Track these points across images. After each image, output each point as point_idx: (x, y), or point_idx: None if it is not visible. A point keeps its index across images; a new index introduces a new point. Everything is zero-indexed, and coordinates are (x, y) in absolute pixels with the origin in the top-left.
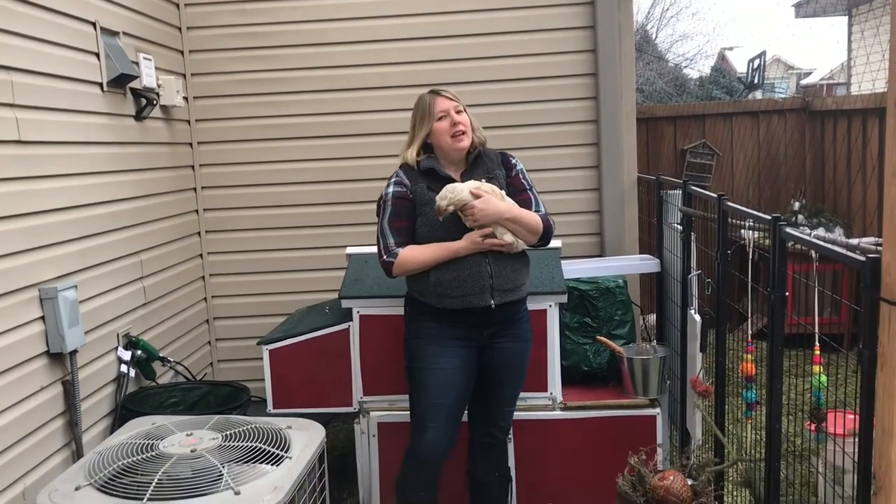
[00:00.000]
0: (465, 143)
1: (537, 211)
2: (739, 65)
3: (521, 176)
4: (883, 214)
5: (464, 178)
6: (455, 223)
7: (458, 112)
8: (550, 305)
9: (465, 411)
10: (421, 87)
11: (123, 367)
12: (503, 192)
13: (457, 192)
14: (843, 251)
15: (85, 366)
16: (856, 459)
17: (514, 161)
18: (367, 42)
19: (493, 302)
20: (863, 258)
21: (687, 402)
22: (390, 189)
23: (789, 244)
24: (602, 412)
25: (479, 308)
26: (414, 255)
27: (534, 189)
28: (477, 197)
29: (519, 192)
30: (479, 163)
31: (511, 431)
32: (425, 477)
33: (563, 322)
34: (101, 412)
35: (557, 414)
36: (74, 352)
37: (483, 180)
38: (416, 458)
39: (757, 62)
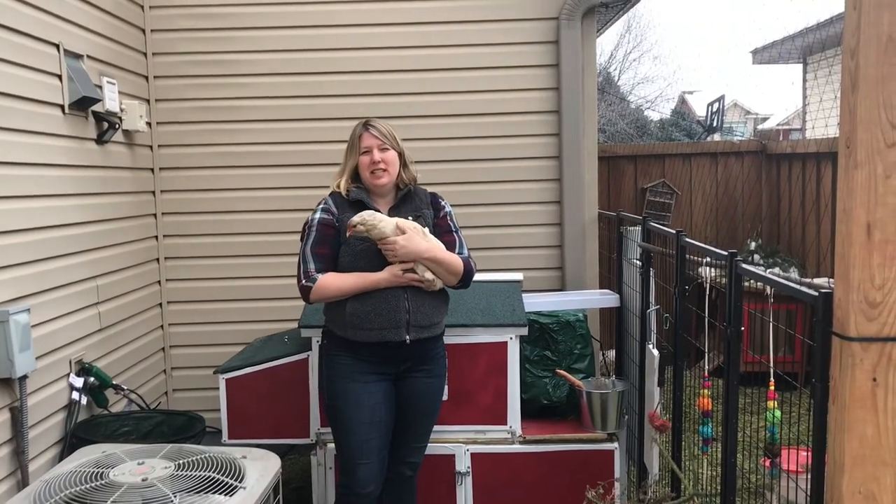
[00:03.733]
0: (384, 180)
1: (460, 253)
2: (699, 108)
3: (448, 218)
4: (835, 252)
5: (391, 214)
6: (378, 256)
7: (383, 150)
8: (511, 338)
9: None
10: (383, 119)
11: (75, 395)
12: (426, 230)
13: (376, 219)
14: (796, 286)
15: (35, 392)
16: (808, 493)
17: (443, 203)
18: (330, 73)
19: (408, 337)
20: (815, 293)
21: (645, 436)
22: (317, 215)
23: (746, 282)
24: (561, 446)
25: (394, 343)
26: (333, 281)
27: (459, 232)
28: (401, 233)
29: (444, 232)
30: (408, 200)
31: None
32: None
33: (524, 355)
34: (50, 440)
35: (516, 447)
36: (24, 377)
37: (410, 217)
38: (352, 495)
39: (716, 106)
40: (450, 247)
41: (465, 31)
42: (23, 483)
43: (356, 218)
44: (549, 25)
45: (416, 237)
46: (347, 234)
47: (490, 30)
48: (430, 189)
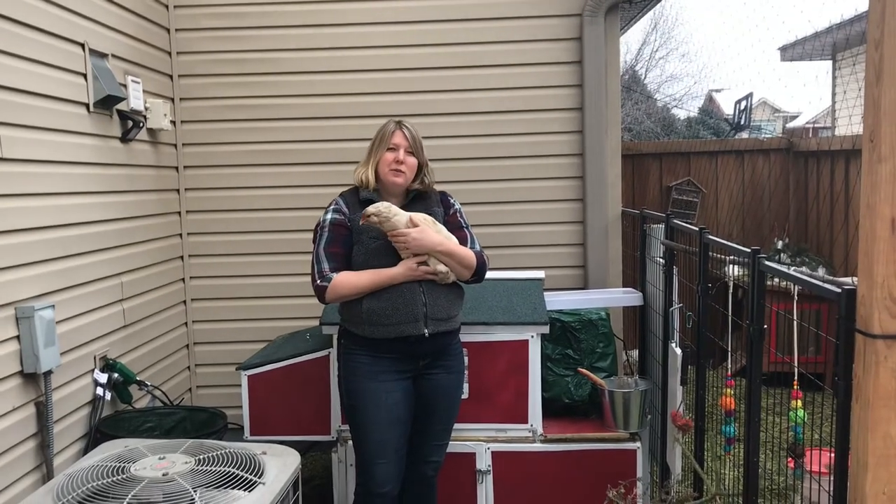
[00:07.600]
0: (399, 180)
1: (472, 248)
2: (727, 106)
3: (458, 215)
4: (859, 247)
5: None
6: (392, 253)
7: (408, 153)
8: (532, 336)
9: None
10: (407, 116)
11: (99, 390)
12: (439, 223)
13: (391, 211)
14: (819, 283)
15: (60, 387)
16: (832, 493)
17: (452, 200)
18: (355, 72)
19: (426, 331)
20: (838, 289)
21: (667, 436)
22: (328, 216)
23: (771, 281)
24: (582, 445)
25: (413, 337)
26: (348, 280)
27: (469, 228)
28: (414, 226)
29: (455, 229)
30: (419, 199)
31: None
32: None
33: (545, 353)
34: (75, 435)
35: (538, 446)
36: (49, 373)
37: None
38: (370, 494)
39: (744, 104)
40: (462, 242)
41: (488, 28)
42: (48, 476)
43: (371, 208)
44: (572, 22)
45: (428, 230)
46: (360, 223)
47: (513, 27)
48: (452, 186)
